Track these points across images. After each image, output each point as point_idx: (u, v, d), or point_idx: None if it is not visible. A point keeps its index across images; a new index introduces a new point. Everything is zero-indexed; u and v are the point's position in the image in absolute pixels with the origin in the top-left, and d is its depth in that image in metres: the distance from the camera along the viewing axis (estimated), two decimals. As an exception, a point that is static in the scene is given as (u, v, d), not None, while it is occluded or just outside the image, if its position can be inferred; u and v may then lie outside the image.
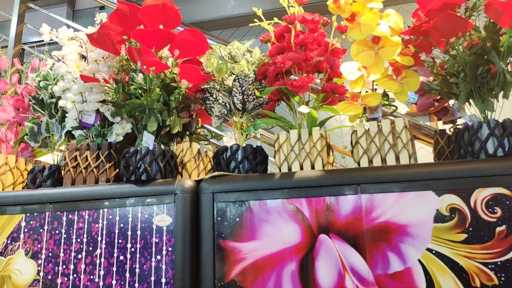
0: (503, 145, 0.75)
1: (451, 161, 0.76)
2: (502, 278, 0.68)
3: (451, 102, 0.89)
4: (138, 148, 0.92)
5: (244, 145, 0.98)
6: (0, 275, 0.91)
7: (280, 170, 0.90)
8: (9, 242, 0.92)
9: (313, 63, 0.94)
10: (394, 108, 0.93)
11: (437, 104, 0.93)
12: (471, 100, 0.81)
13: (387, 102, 0.97)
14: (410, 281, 0.72)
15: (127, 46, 0.96)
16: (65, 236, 0.89)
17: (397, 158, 0.82)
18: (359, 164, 0.85)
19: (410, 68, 0.88)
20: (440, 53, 0.78)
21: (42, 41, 3.14)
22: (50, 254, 0.89)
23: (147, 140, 0.94)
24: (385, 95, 0.94)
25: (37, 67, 1.21)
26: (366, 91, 0.91)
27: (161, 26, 0.94)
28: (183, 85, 0.93)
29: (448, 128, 0.93)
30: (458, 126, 0.88)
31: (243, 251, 0.81)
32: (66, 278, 0.86)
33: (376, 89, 0.91)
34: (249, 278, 0.79)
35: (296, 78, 0.91)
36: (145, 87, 0.90)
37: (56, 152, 1.18)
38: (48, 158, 1.29)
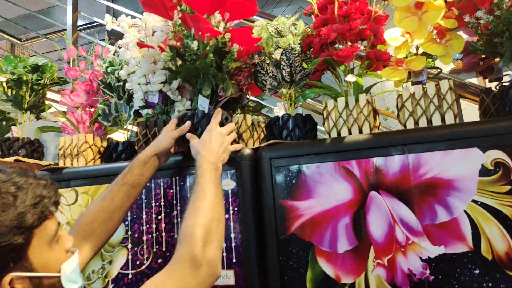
0: (548, 100, 0.78)
1: (495, 119, 0.80)
2: (546, 224, 0.74)
3: (497, 60, 0.91)
4: (195, 113, 0.97)
5: (294, 114, 1.06)
6: (95, 235, 1.08)
7: (329, 135, 0.98)
8: (99, 208, 1.08)
9: (356, 32, 0.99)
10: (438, 70, 0.96)
11: (482, 63, 0.95)
12: (516, 58, 0.83)
13: (433, 63, 1.01)
14: (457, 230, 0.79)
15: (179, 13, 0.98)
16: (145, 201, 1.04)
17: (443, 119, 0.87)
18: (405, 126, 0.91)
19: (454, 30, 0.90)
20: (484, 14, 0.80)
21: (85, 24, 3.32)
22: (134, 216, 1.04)
23: (202, 104, 0.99)
24: (429, 56, 0.98)
25: (100, 53, 1.33)
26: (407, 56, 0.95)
27: None
28: (234, 49, 0.96)
29: (493, 86, 0.96)
30: (503, 84, 0.91)
31: (301, 209, 0.91)
32: (150, 236, 1.02)
33: (420, 53, 0.94)
34: (308, 231, 0.89)
35: (341, 47, 0.97)
36: (199, 53, 0.93)
37: (120, 131, 1.32)
38: (118, 135, 1.44)
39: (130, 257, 1.03)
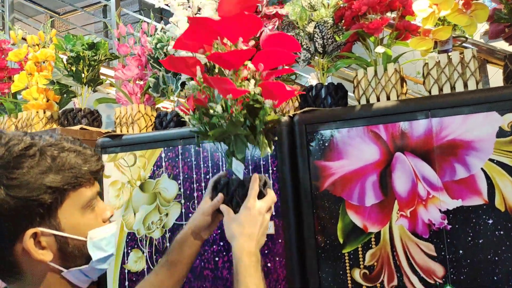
0: None
1: (514, 85, 0.87)
2: (556, 180, 0.82)
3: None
4: (229, 179, 0.88)
5: (326, 83, 1.15)
6: (152, 192, 1.25)
7: (359, 102, 1.07)
8: (155, 168, 1.25)
9: (386, 4, 1.05)
10: (464, 38, 1.02)
11: (507, 30, 1.00)
12: (540, 26, 0.88)
13: (459, 31, 1.06)
14: (474, 185, 0.89)
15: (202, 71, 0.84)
16: (195, 163, 1.19)
17: (465, 85, 0.94)
18: (430, 93, 0.99)
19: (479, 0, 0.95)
20: (509, -15, 0.85)
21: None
22: (186, 176, 1.20)
23: (237, 167, 0.88)
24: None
25: (146, 30, 1.46)
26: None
27: (240, 39, 0.81)
28: (267, 105, 0.82)
29: (519, 52, 1.00)
30: (527, 51, 0.96)
31: (333, 168, 1.03)
32: (200, 193, 1.18)
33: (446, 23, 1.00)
34: (339, 188, 1.02)
35: (371, 19, 1.04)
36: (225, 115, 0.81)
37: (167, 101, 1.46)
38: (165, 105, 1.59)
39: (183, 210, 1.20)
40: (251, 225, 0.80)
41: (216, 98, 0.83)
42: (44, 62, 1.55)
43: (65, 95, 1.56)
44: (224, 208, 0.85)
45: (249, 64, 0.82)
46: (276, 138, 0.93)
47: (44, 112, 1.50)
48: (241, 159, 0.86)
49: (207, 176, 1.17)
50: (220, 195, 0.88)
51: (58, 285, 0.64)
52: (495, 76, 1.08)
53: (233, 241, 0.80)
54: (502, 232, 0.86)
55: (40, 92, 1.51)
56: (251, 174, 0.87)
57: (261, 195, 0.85)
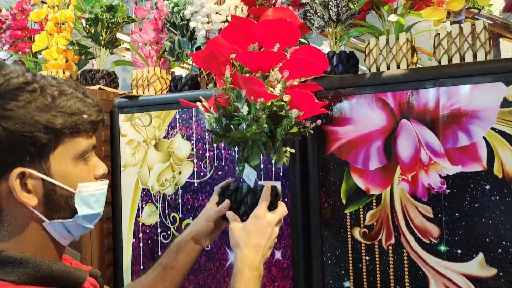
0: None
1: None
2: (554, 149, 0.86)
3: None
4: (239, 186, 0.86)
5: (338, 51, 1.18)
6: (166, 151, 1.31)
7: (369, 71, 1.10)
8: (169, 129, 1.31)
9: (402, -27, 1.06)
10: (477, 10, 1.03)
11: (522, 3, 1.01)
12: (553, -1, 0.89)
13: (472, 3, 1.07)
14: (474, 153, 0.93)
15: (232, 68, 0.83)
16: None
17: (475, 56, 0.97)
18: (439, 63, 1.01)
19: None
20: (525, -44, 0.86)
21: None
22: (199, 137, 1.26)
23: (249, 175, 0.85)
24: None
25: (163, -6, 1.48)
26: None
27: (277, 45, 0.79)
28: (293, 115, 0.80)
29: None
30: (538, 24, 0.97)
31: (340, 133, 1.07)
32: (211, 153, 1.24)
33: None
34: (345, 152, 1.06)
35: (386, -12, 1.05)
36: (249, 118, 0.80)
37: (181, 65, 1.50)
38: (179, 69, 1.63)
39: (195, 169, 1.27)
40: (259, 236, 0.77)
41: (242, 100, 0.79)
42: (63, 23, 1.59)
43: (83, 56, 1.60)
44: (230, 214, 0.83)
45: (276, 70, 0.80)
46: (293, 151, 0.89)
47: (64, 72, 1.56)
48: (255, 166, 0.83)
49: (219, 137, 1.22)
50: (227, 202, 0.85)
51: (37, 236, 0.59)
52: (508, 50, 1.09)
53: (236, 249, 0.77)
54: (497, 198, 0.91)
55: (60, 53, 1.56)
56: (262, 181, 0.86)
57: (271, 207, 0.82)
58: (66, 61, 1.58)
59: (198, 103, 0.88)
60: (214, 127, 0.85)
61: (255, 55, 0.79)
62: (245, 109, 0.78)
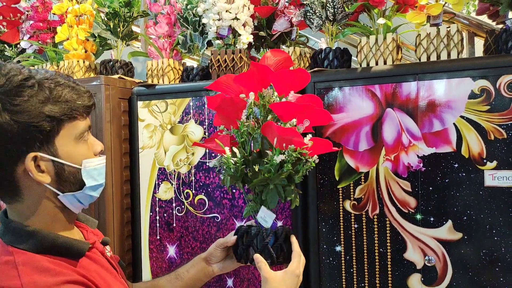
0: (529, 43, 1.02)
1: (483, 56, 1.06)
2: (510, 134, 1.04)
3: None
4: (248, 228, 0.89)
5: (334, 47, 1.34)
6: (181, 134, 1.48)
7: (360, 65, 1.27)
8: (184, 115, 1.47)
9: (390, -20, 1.22)
10: (453, 14, 1.19)
11: (491, 8, 1.17)
12: (514, 7, 1.06)
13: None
14: (446, 136, 1.11)
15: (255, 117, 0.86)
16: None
17: (449, 54, 1.14)
18: (419, 60, 1.18)
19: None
20: (491, -29, 1.02)
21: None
22: (210, 122, 1.42)
23: (265, 217, 0.87)
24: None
25: (175, -9, 1.62)
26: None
27: (292, 93, 0.87)
28: (313, 160, 0.86)
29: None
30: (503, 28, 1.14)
31: (335, 119, 1.25)
32: (222, 136, 1.41)
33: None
34: (338, 136, 1.24)
35: (376, -7, 1.21)
36: (276, 163, 0.83)
37: (192, 57, 1.65)
38: (189, 61, 1.78)
39: (207, 151, 1.44)
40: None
41: (265, 146, 0.84)
42: (82, 16, 1.73)
43: (101, 48, 1.75)
44: (258, 257, 0.86)
45: (294, 120, 0.86)
46: (301, 192, 0.95)
47: (84, 62, 1.70)
48: (272, 209, 0.87)
49: (229, 122, 1.39)
50: (234, 237, 0.91)
51: (53, 207, 0.70)
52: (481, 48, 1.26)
53: None
54: (464, 174, 1.10)
55: (80, 44, 1.70)
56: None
57: (286, 247, 0.87)
58: (85, 51, 1.73)
59: (215, 142, 0.91)
60: (231, 169, 0.86)
61: (292, 106, 0.85)
62: (280, 158, 0.81)
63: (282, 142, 0.82)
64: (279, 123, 0.88)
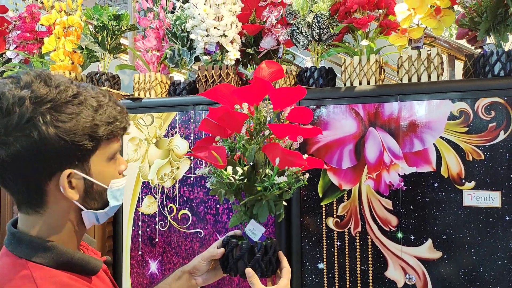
0: (505, 68, 1.06)
1: (463, 79, 1.10)
2: (487, 155, 1.07)
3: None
4: (239, 243, 0.89)
5: (319, 66, 1.37)
6: (166, 148, 1.48)
7: (344, 84, 1.30)
8: (170, 129, 1.47)
9: (374, 3, 1.26)
10: (433, 38, 1.24)
11: (470, 33, 1.22)
12: (491, 33, 1.10)
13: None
14: (426, 156, 1.13)
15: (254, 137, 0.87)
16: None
17: (429, 77, 1.17)
18: (401, 81, 1.21)
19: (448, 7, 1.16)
20: (469, -2, 1.07)
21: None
22: (196, 137, 1.43)
23: (255, 230, 0.89)
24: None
25: (164, 6, 1.64)
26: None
27: (288, 109, 0.91)
28: (305, 178, 0.90)
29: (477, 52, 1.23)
30: (480, 53, 1.18)
31: (318, 137, 1.26)
32: (207, 151, 1.41)
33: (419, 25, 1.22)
34: (322, 153, 1.25)
35: (361, 16, 1.25)
36: (276, 183, 0.84)
37: (180, 71, 1.66)
38: (177, 75, 1.79)
39: (192, 165, 1.44)
40: None
41: (260, 163, 0.86)
42: (70, 28, 1.73)
43: (87, 60, 1.75)
44: (249, 271, 0.87)
45: (287, 139, 0.90)
46: (286, 204, 0.96)
47: (70, 73, 1.70)
48: (262, 223, 0.89)
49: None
50: (221, 250, 0.91)
51: (71, 224, 0.70)
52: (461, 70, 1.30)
53: None
54: (444, 194, 1.12)
55: (66, 55, 1.70)
56: None
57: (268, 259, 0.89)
58: (72, 63, 1.72)
59: (206, 170, 0.93)
60: (225, 182, 0.87)
61: (288, 127, 0.89)
62: (282, 179, 0.84)
63: (285, 163, 0.85)
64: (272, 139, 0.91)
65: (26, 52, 1.80)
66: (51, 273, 0.64)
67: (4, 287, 0.62)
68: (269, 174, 0.87)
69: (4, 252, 0.68)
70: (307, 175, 0.91)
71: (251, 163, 0.89)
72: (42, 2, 1.81)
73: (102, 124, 0.66)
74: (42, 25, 1.74)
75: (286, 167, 0.86)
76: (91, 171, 0.68)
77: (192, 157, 1.43)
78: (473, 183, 1.09)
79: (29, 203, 0.67)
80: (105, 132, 0.67)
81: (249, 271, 0.87)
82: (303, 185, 0.89)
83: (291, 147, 0.92)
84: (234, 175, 0.86)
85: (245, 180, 0.88)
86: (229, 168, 0.87)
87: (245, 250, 0.88)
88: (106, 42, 1.65)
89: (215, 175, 0.90)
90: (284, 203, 0.91)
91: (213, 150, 0.90)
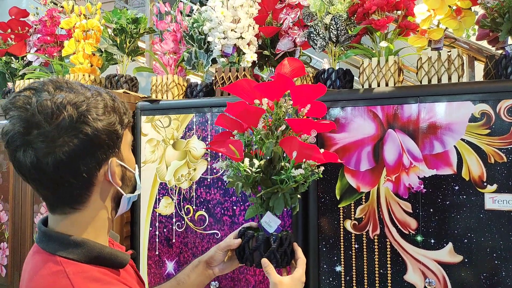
0: (529, 69, 1.05)
1: (484, 81, 1.08)
2: (510, 157, 1.05)
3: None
4: (255, 234, 0.91)
5: (336, 68, 1.37)
6: (183, 150, 1.49)
7: (362, 86, 1.29)
8: (187, 130, 1.49)
9: (392, 4, 1.25)
10: (454, 39, 1.22)
11: (491, 34, 1.20)
12: (514, 34, 1.09)
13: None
14: (447, 158, 1.12)
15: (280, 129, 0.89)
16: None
17: (449, 78, 1.16)
18: (421, 82, 1.20)
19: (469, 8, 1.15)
20: (492, -1, 1.05)
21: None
22: (212, 138, 1.43)
23: (270, 222, 0.90)
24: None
25: (182, 9, 1.66)
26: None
27: (308, 106, 0.92)
28: (320, 171, 0.92)
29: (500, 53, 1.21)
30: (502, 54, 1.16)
31: (336, 139, 1.26)
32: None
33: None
34: (340, 155, 1.25)
35: (379, 17, 1.24)
36: (291, 175, 0.86)
37: (196, 74, 1.68)
38: (194, 77, 1.81)
39: (209, 166, 1.44)
40: None
41: (277, 156, 0.88)
42: (89, 31, 1.76)
43: (107, 62, 1.78)
44: (266, 263, 0.89)
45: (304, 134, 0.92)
46: (300, 197, 0.97)
47: (89, 76, 1.73)
48: (278, 215, 0.91)
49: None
50: (238, 240, 0.93)
51: (105, 217, 0.74)
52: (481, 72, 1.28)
53: None
54: (464, 196, 1.10)
55: (86, 58, 1.73)
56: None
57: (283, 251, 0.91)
58: (91, 65, 1.76)
59: (223, 164, 0.94)
60: (242, 175, 0.89)
61: (304, 122, 0.90)
62: (298, 171, 0.85)
63: (302, 156, 0.87)
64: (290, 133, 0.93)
65: (46, 55, 1.83)
66: (83, 268, 0.66)
67: (38, 283, 0.64)
68: (286, 167, 0.88)
69: (36, 250, 0.70)
70: (322, 168, 0.91)
71: (268, 157, 0.90)
72: (62, 6, 1.85)
73: (120, 114, 0.72)
74: (62, 28, 1.78)
75: (304, 160, 0.87)
76: (123, 158, 0.73)
77: (208, 159, 1.44)
78: (495, 186, 1.07)
79: (70, 201, 0.69)
80: (126, 120, 0.73)
81: (264, 261, 0.89)
82: (317, 178, 0.91)
83: (306, 142, 0.93)
84: (250, 168, 0.88)
85: (261, 174, 0.90)
86: (246, 160, 0.89)
87: (261, 241, 0.90)
88: (124, 45, 1.67)
89: (232, 168, 0.92)
90: (299, 196, 0.92)
91: (231, 143, 0.92)
